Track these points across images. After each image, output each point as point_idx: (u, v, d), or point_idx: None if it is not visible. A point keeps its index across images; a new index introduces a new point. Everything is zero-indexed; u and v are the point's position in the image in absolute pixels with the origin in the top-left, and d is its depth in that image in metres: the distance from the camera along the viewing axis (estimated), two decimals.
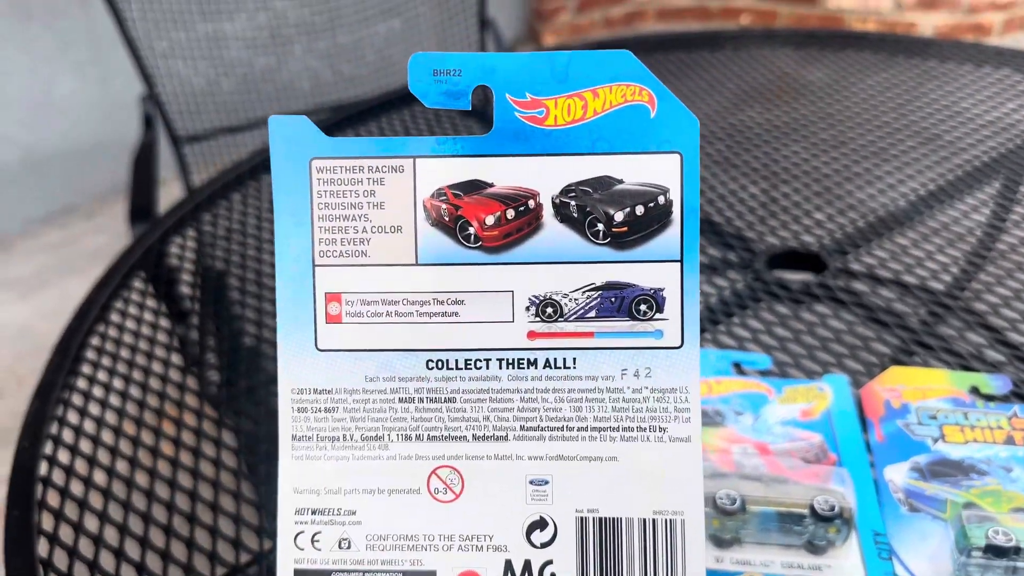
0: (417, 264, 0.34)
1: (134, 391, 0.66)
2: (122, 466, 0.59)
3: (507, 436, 0.34)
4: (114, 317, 0.74)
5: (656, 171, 0.33)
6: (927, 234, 0.75)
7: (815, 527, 0.47)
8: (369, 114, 1.08)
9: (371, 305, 0.34)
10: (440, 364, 0.34)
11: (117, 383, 0.67)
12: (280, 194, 0.35)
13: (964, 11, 2.69)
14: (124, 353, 0.70)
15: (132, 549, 0.53)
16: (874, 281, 0.69)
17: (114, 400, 0.65)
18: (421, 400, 0.35)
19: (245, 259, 0.80)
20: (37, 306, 2.02)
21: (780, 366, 0.61)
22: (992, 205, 0.78)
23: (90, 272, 0.77)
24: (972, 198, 0.79)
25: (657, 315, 0.34)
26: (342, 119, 1.06)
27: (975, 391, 0.57)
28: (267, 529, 0.53)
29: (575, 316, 0.34)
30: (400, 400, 0.35)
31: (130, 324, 0.73)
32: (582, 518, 0.35)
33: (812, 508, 0.46)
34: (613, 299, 0.34)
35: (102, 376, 0.67)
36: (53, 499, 0.57)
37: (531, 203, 0.34)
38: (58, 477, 0.58)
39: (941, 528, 0.48)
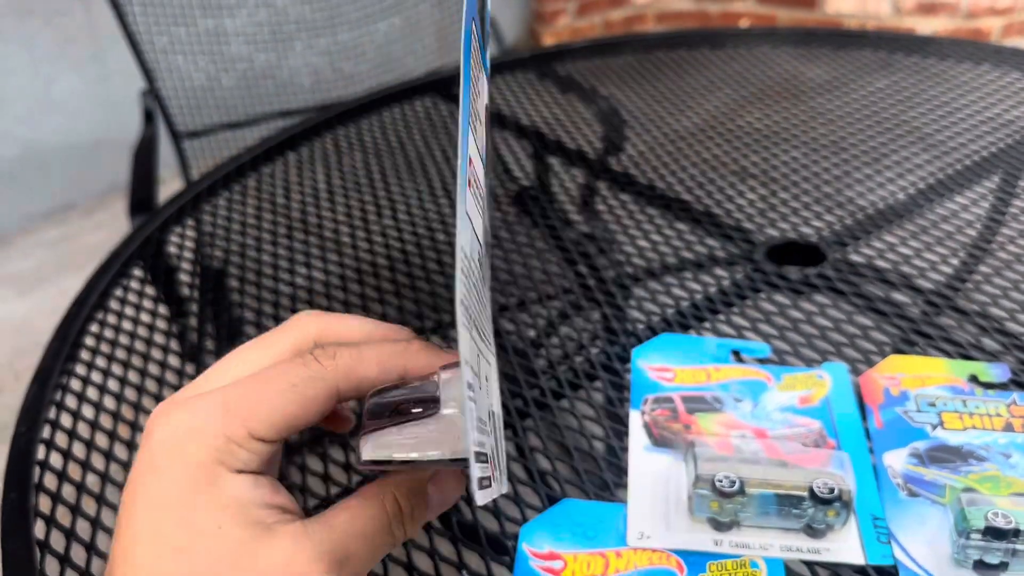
0: None
1: (132, 377, 0.66)
2: (120, 450, 0.59)
3: None
4: (113, 305, 0.74)
5: None
6: (926, 227, 0.75)
7: (814, 510, 0.47)
8: (368, 109, 1.08)
9: None
10: None
11: (116, 369, 0.66)
12: None
13: (963, 16, 2.69)
14: (123, 339, 0.70)
15: None
16: (873, 272, 0.69)
17: (112, 385, 0.65)
18: None
19: (244, 249, 0.80)
20: (36, 303, 2.02)
21: (779, 354, 0.61)
22: (991, 199, 0.78)
23: (89, 269, 0.77)
24: (971, 192, 0.79)
25: None
26: (341, 112, 1.07)
27: (974, 379, 0.57)
28: None
29: None
30: None
31: (129, 311, 0.73)
32: None
33: (811, 491, 0.46)
34: None
35: (100, 362, 0.67)
36: (50, 482, 0.56)
37: None
38: (56, 461, 0.58)
39: (940, 512, 0.48)
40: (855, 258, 0.71)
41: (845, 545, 0.47)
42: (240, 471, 0.29)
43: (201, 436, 0.29)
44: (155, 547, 0.28)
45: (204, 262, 0.81)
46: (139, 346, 0.69)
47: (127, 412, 0.62)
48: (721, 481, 0.47)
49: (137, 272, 0.79)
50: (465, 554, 0.49)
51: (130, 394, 0.64)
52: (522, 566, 0.47)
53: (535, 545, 0.48)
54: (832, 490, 0.46)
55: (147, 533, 0.29)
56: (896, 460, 0.52)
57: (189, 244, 0.83)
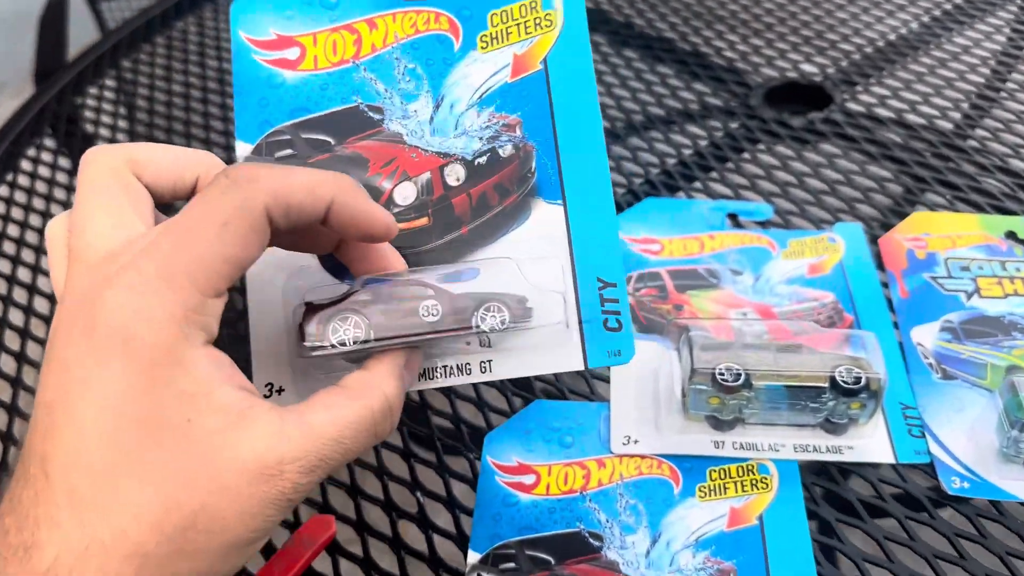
0: None
1: (27, 255, 0.56)
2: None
3: None
4: (11, 177, 0.64)
5: None
6: (944, 59, 0.64)
7: (835, 403, 0.39)
8: None
9: None
10: None
11: (8, 247, 0.57)
12: None
13: None
14: (16, 214, 0.60)
15: None
16: (888, 113, 0.60)
17: (3, 266, 0.56)
18: None
19: (171, 109, 0.69)
20: None
21: (783, 216, 0.52)
22: (1008, 31, 0.68)
23: None
24: (993, 19, 0.69)
25: None
26: None
27: (1012, 236, 0.49)
28: None
29: None
30: None
31: (23, 181, 0.63)
32: None
33: (832, 380, 0.38)
34: None
35: None
36: None
37: None
38: None
39: (981, 397, 0.41)
40: (866, 99, 0.61)
41: (871, 442, 0.40)
42: (205, 343, 0.27)
43: (151, 314, 0.25)
44: (116, 449, 0.25)
45: (115, 127, 0.70)
46: (34, 220, 0.59)
47: (20, 295, 0.53)
48: (723, 374, 0.39)
49: (48, 142, 0.68)
50: (420, 472, 0.41)
51: (24, 275, 0.54)
52: (487, 483, 0.40)
53: (502, 457, 0.41)
54: (858, 380, 0.38)
55: (103, 434, 0.25)
56: (926, 336, 0.44)
57: (108, 107, 0.71)
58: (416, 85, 0.36)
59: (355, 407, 0.28)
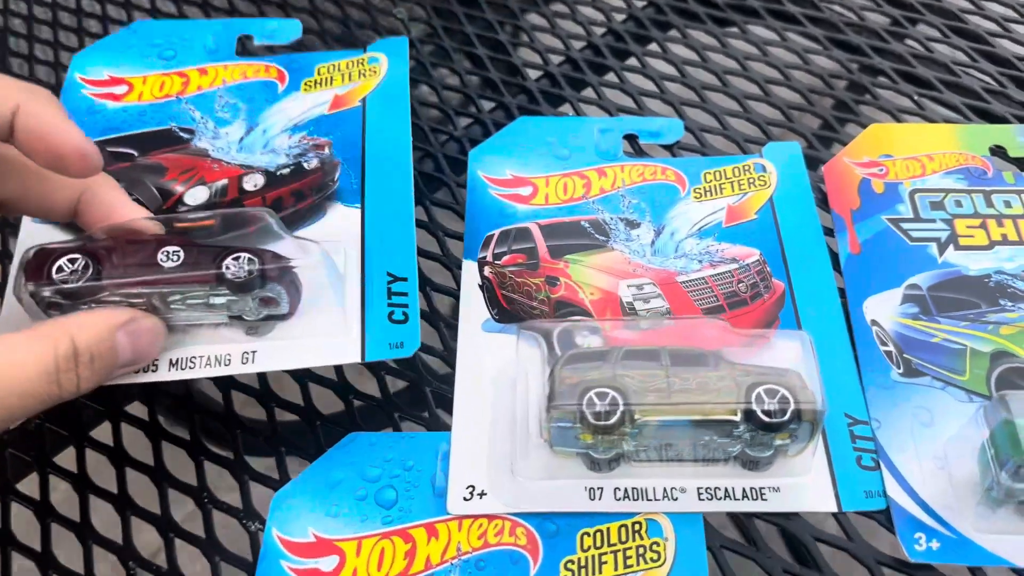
0: None
1: None
2: None
3: None
4: None
5: None
6: None
7: (754, 434, 0.27)
8: None
9: None
10: None
11: None
12: None
13: None
14: None
15: None
16: None
17: None
18: None
19: (7, 18, 0.53)
20: None
21: (698, 134, 0.39)
22: None
23: None
24: None
25: None
26: None
27: (1000, 153, 0.36)
28: None
29: None
30: None
31: None
32: None
33: (748, 413, 0.26)
34: None
35: None
36: None
37: None
38: None
39: (959, 403, 0.29)
40: None
41: (804, 481, 0.29)
42: None
43: None
44: None
45: None
46: None
47: None
48: (593, 405, 0.27)
49: None
50: (181, 553, 0.29)
51: None
52: (269, 568, 0.28)
53: (294, 530, 0.29)
54: (784, 410, 0.26)
55: None
56: (883, 310, 0.32)
57: None
58: (232, 115, 0.39)
59: (35, 345, 0.26)
